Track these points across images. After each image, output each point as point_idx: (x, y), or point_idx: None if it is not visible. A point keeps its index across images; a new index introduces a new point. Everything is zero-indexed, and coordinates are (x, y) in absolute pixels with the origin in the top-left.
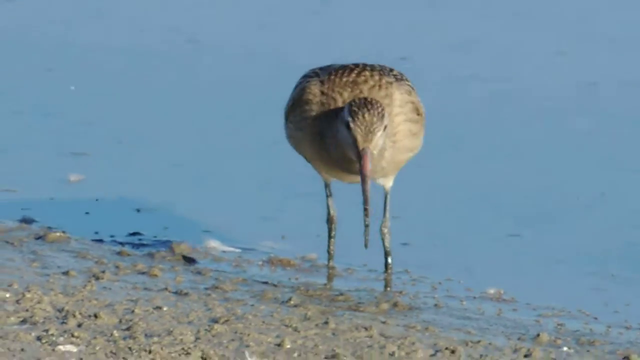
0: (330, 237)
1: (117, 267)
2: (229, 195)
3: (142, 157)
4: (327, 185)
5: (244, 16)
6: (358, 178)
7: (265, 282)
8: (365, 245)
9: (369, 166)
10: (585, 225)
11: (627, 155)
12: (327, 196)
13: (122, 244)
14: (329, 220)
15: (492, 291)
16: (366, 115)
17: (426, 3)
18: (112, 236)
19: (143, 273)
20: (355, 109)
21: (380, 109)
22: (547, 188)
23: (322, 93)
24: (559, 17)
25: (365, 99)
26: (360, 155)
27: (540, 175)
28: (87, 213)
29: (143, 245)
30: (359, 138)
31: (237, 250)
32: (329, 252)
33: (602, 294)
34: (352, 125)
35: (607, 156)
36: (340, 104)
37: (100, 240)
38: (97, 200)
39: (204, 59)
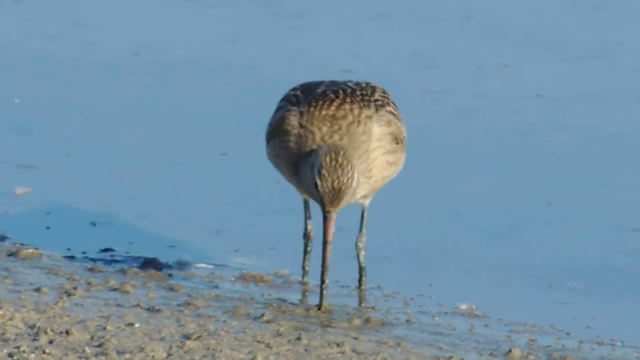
0: (305, 252)
1: (89, 283)
2: (202, 210)
3: (98, 169)
4: (306, 203)
5: (217, 30)
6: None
7: (238, 298)
8: (319, 308)
9: (331, 231)
10: (557, 240)
11: (596, 169)
12: (305, 211)
13: (94, 260)
14: (306, 236)
15: (464, 307)
16: (335, 183)
17: (400, 20)
18: (84, 252)
19: (115, 289)
20: (325, 173)
21: (349, 174)
22: (518, 202)
23: (301, 125)
24: (529, 34)
25: (337, 159)
26: (324, 216)
27: (512, 189)
28: (48, 228)
29: (115, 261)
30: (326, 201)
31: (210, 266)
32: (303, 268)
33: (574, 309)
34: (319, 188)
35: (577, 170)
36: (318, 139)
37: (72, 257)
38: (48, 213)
39: (174, 72)
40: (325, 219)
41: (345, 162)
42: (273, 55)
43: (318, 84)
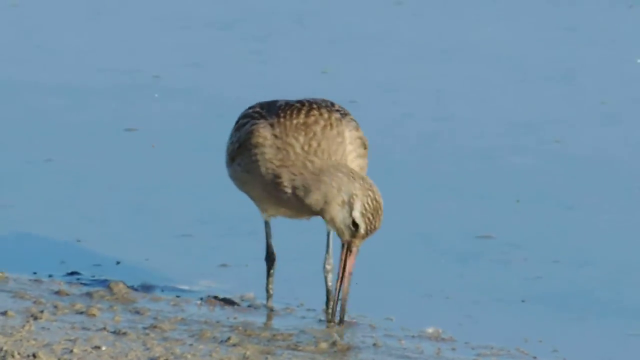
0: (269, 275)
1: (55, 306)
2: (167, 233)
3: (62, 193)
4: (267, 224)
5: (180, 53)
6: (305, 215)
7: (204, 322)
8: (333, 320)
9: (353, 265)
10: (522, 262)
11: (561, 192)
12: (267, 234)
13: (60, 283)
14: (268, 259)
15: (430, 330)
16: (376, 224)
17: (361, 44)
18: (50, 276)
19: (81, 313)
20: (370, 216)
21: (383, 214)
22: (483, 225)
23: (275, 137)
24: (492, 56)
25: (376, 199)
26: (348, 249)
27: (476, 212)
28: (13, 251)
29: (81, 284)
30: (359, 241)
31: (176, 289)
32: (267, 291)
33: (540, 332)
34: (361, 230)
35: (541, 192)
36: (298, 149)
37: (39, 280)
38: (13, 237)
39: (137, 94)
40: (351, 252)
41: (381, 201)
42: (236, 78)
43: (275, 101)
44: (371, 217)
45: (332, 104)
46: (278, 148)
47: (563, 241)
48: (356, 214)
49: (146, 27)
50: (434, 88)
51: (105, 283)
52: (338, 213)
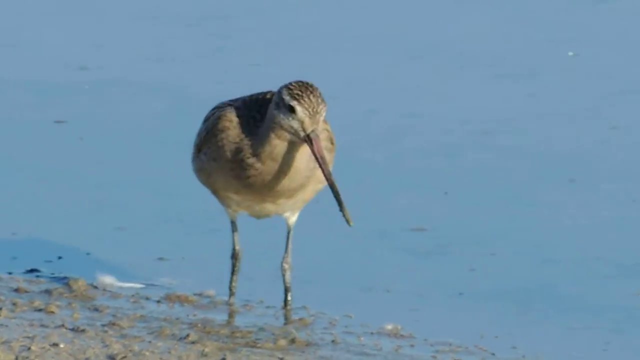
0: (233, 273)
1: (14, 304)
2: (128, 230)
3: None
4: (233, 223)
5: (145, 50)
6: (270, 206)
7: (163, 319)
8: (349, 222)
9: (321, 147)
10: (483, 260)
11: (523, 189)
12: (233, 232)
13: (19, 280)
14: (234, 256)
15: (389, 327)
16: (311, 97)
17: (326, 41)
18: (9, 273)
19: (40, 310)
20: (298, 92)
21: (319, 91)
22: (444, 222)
23: (240, 117)
24: (456, 53)
25: (301, 81)
26: (309, 140)
27: (438, 209)
28: None
29: (41, 281)
30: (307, 121)
31: (135, 286)
32: (230, 289)
33: (499, 329)
34: (298, 108)
35: (504, 189)
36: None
37: None
38: None
39: (105, 91)
40: (312, 139)
41: (310, 83)
42: (200, 75)
43: (240, 97)
44: (300, 92)
45: None
46: (241, 124)
47: (523, 238)
48: (286, 98)
49: (113, 25)
50: (398, 85)
51: (64, 280)
52: (278, 116)
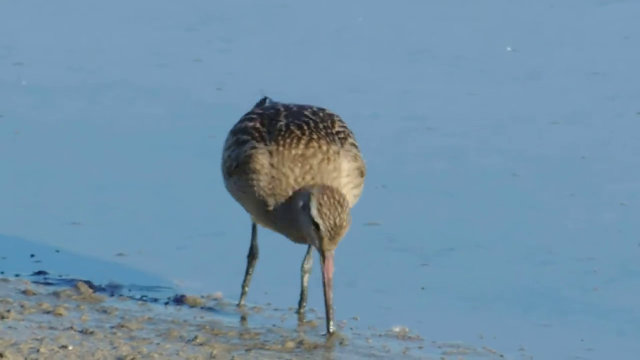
0: (247, 273)
1: (22, 306)
2: (132, 233)
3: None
4: (254, 225)
5: (146, 53)
6: (293, 237)
7: (171, 321)
8: (329, 333)
9: (332, 270)
10: (488, 262)
11: (525, 191)
12: (253, 233)
13: (27, 283)
14: (251, 256)
15: (397, 329)
16: (337, 220)
17: (327, 45)
18: (17, 275)
19: (48, 312)
20: (326, 211)
21: (347, 210)
22: (449, 225)
23: (272, 166)
24: (457, 57)
25: (334, 196)
26: (322, 256)
27: (442, 212)
28: None
29: (48, 284)
30: (325, 242)
31: (143, 288)
32: (243, 288)
33: (506, 331)
34: (322, 228)
35: (506, 192)
36: (292, 181)
37: (5, 280)
38: None
39: (104, 94)
40: (325, 257)
41: (342, 199)
42: (202, 78)
43: (276, 112)
44: (328, 213)
45: (333, 123)
46: (273, 177)
47: (527, 240)
48: (313, 212)
49: (112, 27)
50: (399, 89)
51: (72, 282)
52: (301, 219)
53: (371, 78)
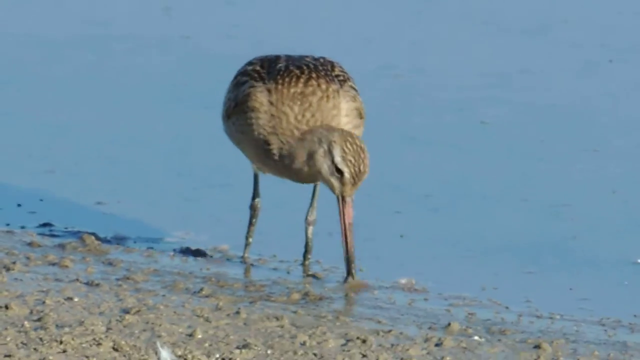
0: (250, 224)
1: (27, 258)
2: (139, 185)
3: (36, 144)
4: (256, 175)
5: (153, 5)
6: (296, 179)
7: (177, 273)
8: (353, 276)
9: (352, 215)
10: (495, 213)
11: (533, 143)
12: (255, 183)
13: (32, 235)
14: (253, 207)
15: (403, 281)
16: (361, 167)
17: None
18: (22, 227)
19: (54, 264)
20: (351, 158)
21: (368, 153)
22: (456, 177)
23: (271, 104)
24: (466, 8)
25: (356, 142)
26: (342, 201)
27: (450, 164)
28: None
29: (54, 236)
30: (349, 187)
31: (149, 240)
32: (246, 239)
33: (513, 283)
34: (346, 175)
35: (514, 144)
36: (292, 119)
37: (11, 232)
38: None
39: (112, 47)
40: (345, 203)
41: (364, 145)
42: (210, 29)
43: (276, 57)
44: (353, 160)
45: (332, 67)
46: (272, 115)
47: (534, 192)
48: (337, 159)
49: None
50: (408, 41)
51: (78, 234)
52: (322, 165)
53: (379, 30)
